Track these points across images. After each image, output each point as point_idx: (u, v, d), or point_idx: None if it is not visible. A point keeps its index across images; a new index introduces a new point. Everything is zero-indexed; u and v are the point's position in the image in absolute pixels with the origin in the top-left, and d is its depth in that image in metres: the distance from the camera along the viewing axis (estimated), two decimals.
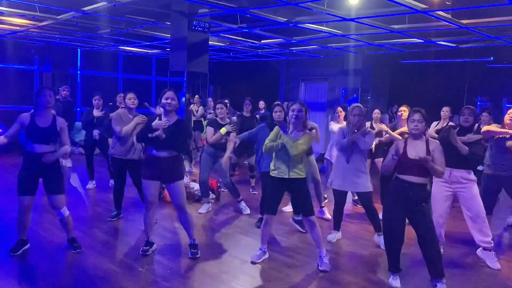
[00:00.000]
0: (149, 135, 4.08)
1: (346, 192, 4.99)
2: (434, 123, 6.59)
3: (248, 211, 6.12)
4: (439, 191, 4.50)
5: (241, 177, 8.36)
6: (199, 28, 7.24)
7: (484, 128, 4.88)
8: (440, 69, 11.15)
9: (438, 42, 8.68)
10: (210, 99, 7.87)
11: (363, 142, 4.68)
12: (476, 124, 5.05)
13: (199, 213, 5.97)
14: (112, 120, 5.23)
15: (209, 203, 6.17)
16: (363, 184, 4.78)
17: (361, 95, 11.31)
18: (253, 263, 4.28)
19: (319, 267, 4.19)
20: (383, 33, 7.95)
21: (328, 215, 5.85)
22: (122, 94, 8.21)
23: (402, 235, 3.84)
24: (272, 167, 4.24)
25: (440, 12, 6.21)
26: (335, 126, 6.32)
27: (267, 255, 4.41)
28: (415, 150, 3.70)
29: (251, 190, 7.34)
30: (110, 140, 7.21)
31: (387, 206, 3.93)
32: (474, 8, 6.09)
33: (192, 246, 4.41)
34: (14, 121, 4.11)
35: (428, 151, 3.67)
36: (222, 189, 7.18)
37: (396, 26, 7.49)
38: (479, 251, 4.57)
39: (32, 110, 4.15)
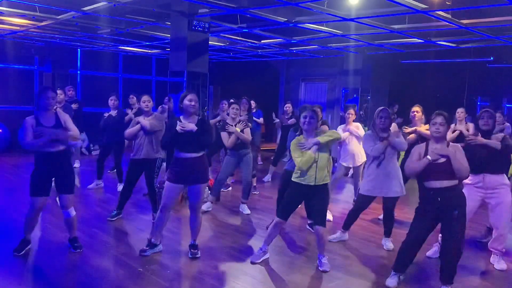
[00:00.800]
0: (180, 130, 4.03)
1: (374, 198, 4.83)
2: (452, 126, 6.50)
3: (248, 211, 6.12)
4: (470, 194, 4.30)
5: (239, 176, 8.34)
6: (199, 28, 7.24)
7: None
8: (440, 69, 11.15)
9: (438, 42, 8.68)
10: (225, 101, 7.83)
11: (398, 143, 4.60)
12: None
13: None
14: (132, 123, 5.35)
15: (212, 202, 6.18)
16: (394, 189, 4.66)
17: (361, 95, 11.31)
18: (252, 263, 4.28)
19: (319, 267, 4.19)
20: (383, 33, 7.95)
21: (329, 216, 5.83)
22: (133, 96, 8.25)
23: (422, 243, 3.77)
24: (297, 173, 4.12)
25: (440, 12, 6.21)
26: (340, 129, 6.33)
27: (267, 256, 4.41)
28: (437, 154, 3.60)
29: (252, 191, 7.32)
30: (127, 142, 7.28)
31: (417, 214, 3.78)
32: (474, 8, 6.09)
33: (192, 246, 4.42)
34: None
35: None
36: (224, 190, 7.19)
37: (396, 26, 7.49)
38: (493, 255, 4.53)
39: (34, 112, 4.16)
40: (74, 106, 8.16)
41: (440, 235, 4.78)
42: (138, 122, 5.23)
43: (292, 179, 4.17)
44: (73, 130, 4.21)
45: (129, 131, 5.24)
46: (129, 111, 7.79)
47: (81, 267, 4.06)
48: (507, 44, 8.42)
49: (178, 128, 4.06)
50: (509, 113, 10.82)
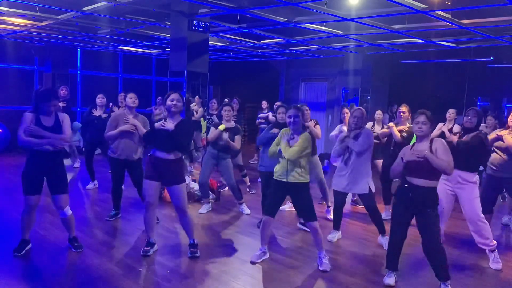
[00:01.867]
0: (161, 126, 4.09)
1: (346, 194, 4.98)
2: (440, 125, 6.61)
3: (248, 211, 6.12)
4: (442, 189, 4.45)
5: (236, 177, 8.35)
6: (199, 28, 7.24)
7: (498, 144, 4.81)
8: (440, 69, 11.15)
9: (438, 42, 8.68)
10: (214, 100, 7.85)
11: (356, 145, 4.69)
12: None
13: (200, 213, 5.97)
14: (112, 119, 5.27)
15: (209, 203, 6.18)
16: (360, 186, 4.76)
17: (361, 95, 11.31)
18: (252, 263, 4.28)
19: (319, 267, 4.20)
20: (383, 33, 7.95)
21: (331, 215, 5.84)
22: (123, 94, 8.22)
23: (403, 236, 3.84)
24: (275, 169, 4.25)
25: (440, 12, 6.21)
26: (345, 128, 6.35)
27: (267, 255, 4.41)
28: (419, 151, 3.67)
29: (248, 190, 7.34)
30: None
31: (393, 206, 3.96)
32: (474, 8, 6.09)
33: (191, 245, 4.42)
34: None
35: (430, 151, 3.64)
36: (222, 189, 7.19)
37: (396, 26, 7.49)
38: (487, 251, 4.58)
39: (35, 110, 4.11)
40: (61, 104, 8.12)
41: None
42: (121, 129, 5.16)
43: (274, 176, 4.27)
44: (67, 133, 4.18)
45: (110, 134, 5.16)
46: (115, 108, 7.71)
47: (81, 267, 4.06)
48: (507, 44, 8.42)
49: (157, 124, 4.15)
50: (509, 113, 10.81)
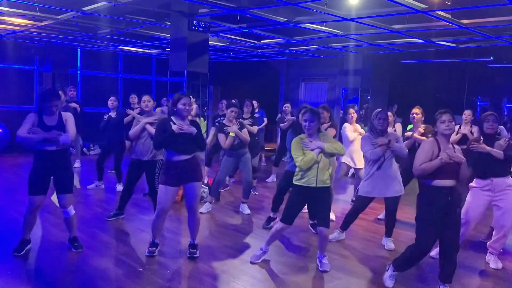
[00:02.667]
0: (180, 130, 4.02)
1: (372, 199, 4.83)
2: (456, 128, 6.52)
3: (248, 211, 6.12)
4: (479, 198, 4.34)
5: (240, 177, 8.35)
6: (199, 28, 7.24)
7: None
8: (440, 69, 11.15)
9: (438, 42, 8.68)
10: (224, 101, 7.77)
11: (399, 148, 4.58)
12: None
13: (200, 213, 5.96)
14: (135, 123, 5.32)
15: (210, 202, 6.18)
16: (393, 188, 4.65)
17: (361, 95, 11.31)
18: (252, 263, 4.28)
19: (319, 268, 4.19)
20: (383, 33, 7.95)
21: (332, 216, 5.83)
22: (134, 96, 8.23)
23: (433, 244, 3.74)
24: (297, 175, 4.09)
25: (440, 12, 6.21)
26: (350, 130, 6.31)
27: (267, 255, 4.40)
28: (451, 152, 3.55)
29: (252, 191, 7.33)
30: (127, 143, 7.27)
31: (424, 214, 3.66)
32: (474, 8, 6.08)
33: (191, 246, 4.42)
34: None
35: (454, 150, 3.59)
36: (222, 189, 7.19)
37: (396, 26, 7.49)
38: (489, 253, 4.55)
39: (38, 109, 4.14)
40: (72, 105, 8.15)
41: None
42: (143, 123, 5.17)
43: (294, 181, 4.14)
44: (71, 132, 4.18)
45: (134, 131, 5.19)
46: (129, 111, 7.78)
47: (81, 267, 4.06)
48: (507, 44, 8.42)
49: (175, 128, 4.04)
50: (509, 113, 10.83)
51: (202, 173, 4.48)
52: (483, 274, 4.30)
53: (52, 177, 4.23)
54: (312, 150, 3.97)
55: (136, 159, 5.30)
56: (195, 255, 4.35)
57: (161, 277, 3.91)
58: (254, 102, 9.46)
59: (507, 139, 4.29)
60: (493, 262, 4.44)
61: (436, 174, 3.55)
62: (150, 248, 4.38)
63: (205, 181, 6.87)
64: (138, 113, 7.08)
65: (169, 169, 4.16)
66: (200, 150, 4.27)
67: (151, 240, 4.43)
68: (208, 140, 7.53)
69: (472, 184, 4.38)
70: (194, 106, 8.68)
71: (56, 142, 4.06)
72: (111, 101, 6.95)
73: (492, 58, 9.95)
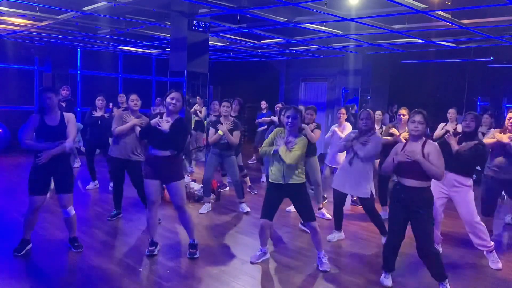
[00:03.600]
0: (156, 125, 4.08)
1: (346, 194, 4.94)
2: (441, 125, 6.63)
3: (248, 209, 6.13)
4: (435, 191, 4.39)
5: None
6: (199, 28, 7.24)
7: (489, 140, 4.75)
8: (440, 69, 11.15)
9: (438, 42, 8.68)
10: (215, 102, 7.81)
11: (362, 150, 4.63)
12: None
13: (200, 213, 5.97)
14: (113, 119, 5.26)
15: (209, 203, 6.18)
16: (361, 189, 4.72)
17: (361, 95, 11.31)
18: (252, 263, 4.28)
19: (319, 268, 4.19)
20: (383, 33, 7.95)
21: (328, 215, 5.85)
22: (123, 95, 8.21)
23: (401, 238, 3.81)
24: (269, 172, 4.19)
25: (440, 12, 6.21)
26: (336, 129, 6.32)
27: (267, 256, 4.41)
28: (411, 152, 3.63)
29: (249, 190, 7.34)
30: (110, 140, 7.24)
31: (389, 207, 3.91)
32: (474, 8, 6.09)
33: (191, 246, 4.41)
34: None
35: (422, 154, 3.60)
36: (222, 189, 7.19)
37: (396, 26, 7.49)
38: (485, 252, 4.57)
39: (38, 110, 4.18)
40: (62, 104, 8.12)
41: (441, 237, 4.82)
42: (132, 123, 5.16)
43: (269, 178, 4.23)
44: (72, 134, 4.20)
45: (121, 128, 5.12)
46: (115, 109, 7.72)
47: (81, 267, 4.06)
48: (507, 44, 8.42)
49: (153, 121, 4.14)
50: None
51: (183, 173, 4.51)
52: (482, 274, 4.30)
53: (52, 178, 4.23)
54: (277, 145, 4.07)
55: (116, 158, 5.26)
56: (195, 256, 4.35)
57: (161, 277, 3.91)
58: (263, 102, 9.49)
59: (474, 143, 4.35)
60: (492, 262, 4.44)
61: (397, 172, 3.73)
62: (150, 248, 4.38)
63: (210, 183, 6.76)
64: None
65: (148, 163, 4.28)
66: (173, 149, 4.19)
67: (150, 239, 4.43)
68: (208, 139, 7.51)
69: None
70: (203, 108, 8.68)
71: (63, 149, 4.11)
72: (99, 101, 6.92)
73: (492, 58, 9.95)
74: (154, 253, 4.36)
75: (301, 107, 6.34)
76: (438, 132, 6.55)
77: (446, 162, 3.82)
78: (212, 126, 5.89)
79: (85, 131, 7.08)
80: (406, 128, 5.59)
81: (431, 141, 3.82)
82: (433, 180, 4.38)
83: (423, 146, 3.67)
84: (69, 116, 4.25)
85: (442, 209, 4.63)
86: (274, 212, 4.26)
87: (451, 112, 6.53)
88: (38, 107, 4.20)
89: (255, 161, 10.23)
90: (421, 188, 3.63)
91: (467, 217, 4.43)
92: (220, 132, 5.72)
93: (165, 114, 4.21)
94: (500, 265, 4.41)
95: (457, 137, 4.57)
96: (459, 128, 6.05)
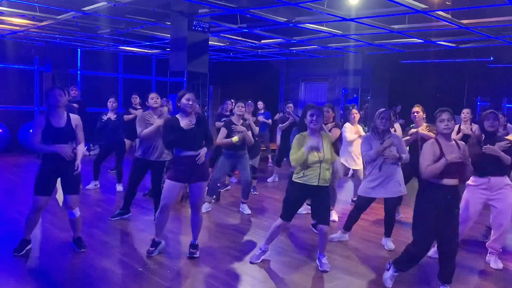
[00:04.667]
0: (187, 126, 4.06)
1: (374, 199, 4.81)
2: (456, 126, 6.49)
3: (248, 211, 6.12)
4: (476, 197, 4.34)
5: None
6: (199, 28, 7.25)
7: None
8: (440, 69, 11.16)
9: (438, 42, 8.68)
10: (229, 101, 7.74)
11: (404, 152, 4.54)
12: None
13: None
14: (136, 121, 5.23)
15: (210, 202, 6.17)
16: (393, 189, 4.61)
17: (361, 95, 11.32)
18: (251, 263, 4.28)
19: (320, 268, 4.19)
20: (383, 33, 7.95)
21: (334, 216, 5.83)
22: (136, 96, 8.23)
23: (431, 243, 3.75)
24: (298, 173, 4.08)
25: (440, 12, 6.21)
26: (350, 131, 6.30)
27: (267, 254, 4.39)
28: (452, 152, 3.54)
29: (252, 191, 7.33)
30: (128, 142, 7.24)
31: (423, 212, 3.63)
32: (474, 8, 6.09)
33: (192, 246, 4.41)
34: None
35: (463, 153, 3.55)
36: (223, 189, 7.19)
37: (396, 26, 7.50)
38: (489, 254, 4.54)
39: (46, 111, 4.19)
40: (74, 105, 8.17)
41: None
42: (157, 125, 5.07)
43: (293, 179, 4.13)
44: (81, 138, 4.25)
45: (147, 131, 5.06)
46: (132, 111, 7.79)
47: (81, 267, 4.06)
48: (507, 44, 8.43)
49: (184, 124, 4.07)
50: (509, 113, 10.84)
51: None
52: (483, 274, 4.30)
53: (59, 178, 4.24)
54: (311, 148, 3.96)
55: (142, 158, 5.24)
56: (195, 255, 4.35)
57: (161, 277, 3.91)
58: (260, 103, 9.47)
59: (505, 142, 4.28)
60: (494, 262, 4.44)
61: (440, 174, 3.54)
62: (150, 248, 4.38)
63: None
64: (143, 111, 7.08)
65: (177, 165, 4.19)
66: (207, 145, 4.25)
67: (152, 239, 4.43)
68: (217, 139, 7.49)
69: (469, 182, 4.37)
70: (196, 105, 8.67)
71: (84, 154, 4.23)
72: (110, 103, 6.92)
73: (492, 58, 9.96)
74: (153, 254, 4.35)
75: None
76: (455, 136, 6.03)
77: (486, 168, 3.82)
78: (225, 127, 5.80)
79: (100, 134, 7.05)
80: (424, 125, 5.56)
81: (458, 140, 3.78)
82: (471, 186, 4.36)
83: (457, 143, 3.62)
84: (76, 119, 4.25)
85: (476, 216, 4.47)
86: (294, 214, 4.28)
87: (465, 112, 6.26)
88: (46, 107, 4.21)
89: (270, 164, 10.10)
90: (458, 185, 3.59)
91: (508, 218, 4.29)
92: (234, 139, 5.62)
93: (179, 116, 4.18)
94: (501, 265, 4.40)
95: (473, 138, 4.48)
96: (475, 128, 5.99)
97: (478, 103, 11.17)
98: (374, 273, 4.20)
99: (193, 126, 4.12)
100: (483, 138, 4.35)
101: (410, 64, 11.42)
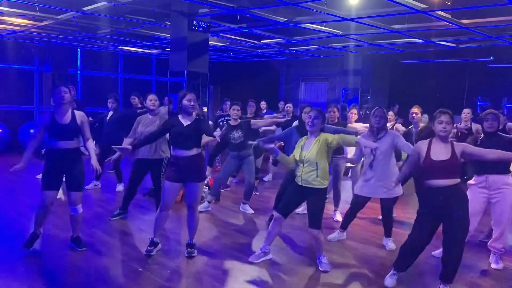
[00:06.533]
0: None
1: (368, 198, 4.78)
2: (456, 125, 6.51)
3: (251, 211, 6.11)
4: (475, 195, 4.30)
5: (242, 177, 8.35)
6: (199, 28, 7.25)
7: None
8: (440, 69, 11.16)
9: (438, 42, 8.69)
10: (228, 102, 7.74)
11: (407, 148, 4.43)
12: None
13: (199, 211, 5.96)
14: (136, 122, 5.30)
15: (210, 202, 6.16)
16: (384, 190, 4.56)
17: (361, 95, 11.32)
18: (251, 263, 4.27)
19: (320, 268, 4.19)
20: (383, 33, 7.96)
21: (338, 217, 5.82)
22: (135, 97, 8.22)
23: (426, 244, 3.73)
24: (297, 173, 4.17)
25: (440, 12, 6.22)
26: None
27: (269, 256, 4.38)
28: (440, 153, 3.53)
29: (253, 191, 7.32)
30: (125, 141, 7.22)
31: (419, 214, 3.72)
32: (474, 8, 6.09)
33: (189, 245, 4.42)
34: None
35: (454, 154, 3.51)
36: (223, 189, 7.18)
37: (396, 26, 7.50)
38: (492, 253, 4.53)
39: (52, 109, 4.26)
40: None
41: None
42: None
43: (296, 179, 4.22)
44: (88, 136, 4.33)
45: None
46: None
47: (81, 267, 4.06)
48: (507, 44, 8.43)
49: (216, 134, 4.08)
50: (509, 113, 10.84)
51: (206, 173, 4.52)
52: (483, 274, 4.29)
53: (64, 175, 4.28)
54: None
55: (142, 158, 5.27)
56: (193, 254, 4.35)
57: (161, 277, 3.91)
58: (263, 102, 9.46)
59: (509, 137, 4.27)
60: (495, 263, 4.43)
61: (428, 175, 3.55)
62: (148, 247, 4.38)
63: (206, 181, 6.85)
64: (139, 113, 7.07)
65: (173, 165, 4.24)
66: (198, 148, 4.25)
67: (150, 238, 4.43)
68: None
69: (470, 181, 4.36)
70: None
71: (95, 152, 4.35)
72: (110, 103, 6.92)
73: (492, 58, 9.96)
74: (152, 253, 4.35)
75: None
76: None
77: (484, 166, 3.79)
78: (228, 130, 5.82)
79: (100, 134, 7.05)
80: (421, 125, 5.56)
81: (458, 142, 3.72)
82: (472, 185, 4.35)
83: (452, 146, 3.56)
84: (81, 115, 4.30)
85: (480, 217, 4.45)
86: (290, 210, 4.30)
87: (466, 112, 6.29)
88: (51, 107, 4.27)
89: (270, 164, 10.10)
90: (455, 185, 3.52)
91: (507, 216, 4.29)
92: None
93: (180, 117, 4.20)
94: (501, 265, 4.40)
95: (472, 137, 4.46)
96: (477, 129, 6.00)
97: (478, 103, 11.17)
98: (374, 273, 4.20)
99: (190, 123, 4.15)
100: (480, 137, 4.35)
101: (410, 64, 11.42)
